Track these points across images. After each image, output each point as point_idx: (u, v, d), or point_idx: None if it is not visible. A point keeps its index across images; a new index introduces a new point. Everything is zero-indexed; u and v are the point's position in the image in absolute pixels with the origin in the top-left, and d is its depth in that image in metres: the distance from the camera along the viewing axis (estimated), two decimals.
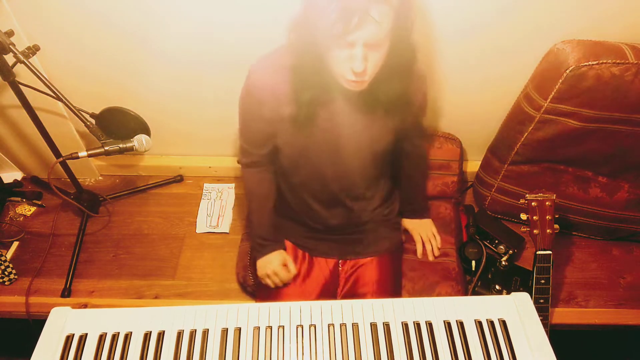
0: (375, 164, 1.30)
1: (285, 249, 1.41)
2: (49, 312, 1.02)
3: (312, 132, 1.15)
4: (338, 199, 1.34)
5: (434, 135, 1.71)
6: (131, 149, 1.36)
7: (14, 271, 1.61)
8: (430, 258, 1.53)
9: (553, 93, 1.33)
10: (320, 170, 1.25)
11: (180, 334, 1.00)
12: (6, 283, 1.61)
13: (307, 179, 1.29)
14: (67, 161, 1.43)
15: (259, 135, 1.22)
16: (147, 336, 0.99)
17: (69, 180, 1.66)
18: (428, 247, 1.53)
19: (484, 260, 1.56)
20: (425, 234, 1.54)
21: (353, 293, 1.37)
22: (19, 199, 1.84)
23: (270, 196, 1.36)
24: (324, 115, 1.13)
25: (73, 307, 1.04)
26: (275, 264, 1.35)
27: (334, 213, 1.37)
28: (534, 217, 1.29)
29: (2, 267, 1.58)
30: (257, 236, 1.40)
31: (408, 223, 1.55)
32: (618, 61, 1.26)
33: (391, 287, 1.40)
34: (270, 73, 1.12)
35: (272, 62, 1.13)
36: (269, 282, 1.36)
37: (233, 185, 1.95)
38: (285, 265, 1.37)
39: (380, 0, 0.87)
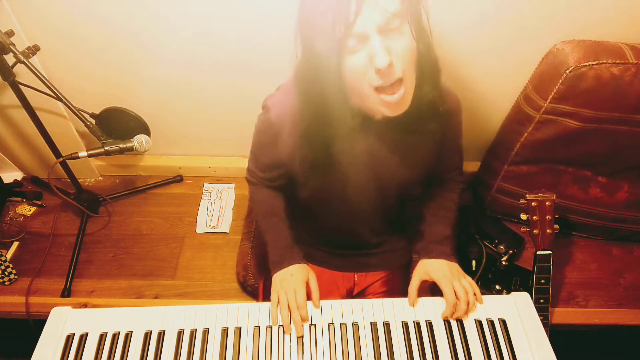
0: (399, 209, 1.21)
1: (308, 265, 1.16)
2: (49, 312, 1.02)
3: (329, 173, 1.05)
4: (350, 236, 1.24)
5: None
6: (131, 149, 1.36)
7: (14, 271, 1.61)
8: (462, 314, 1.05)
9: (553, 93, 1.33)
10: (337, 210, 1.16)
11: (180, 334, 1.00)
12: (6, 283, 1.60)
13: (322, 216, 1.21)
14: (67, 161, 1.43)
15: (268, 162, 1.14)
16: (147, 336, 0.99)
17: (69, 180, 1.66)
18: (463, 307, 1.03)
19: (484, 260, 1.56)
20: (460, 286, 1.05)
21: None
22: (19, 199, 1.83)
23: (281, 207, 1.21)
24: (342, 157, 1.01)
25: (73, 307, 1.04)
26: (297, 279, 1.08)
27: (345, 241, 1.27)
28: (534, 217, 1.29)
29: (2, 267, 1.58)
30: (274, 249, 1.16)
31: (432, 269, 1.11)
32: (618, 61, 1.26)
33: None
34: (287, 111, 1.00)
35: (288, 98, 0.99)
36: (282, 300, 1.04)
37: (233, 185, 1.95)
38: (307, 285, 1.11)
39: None
